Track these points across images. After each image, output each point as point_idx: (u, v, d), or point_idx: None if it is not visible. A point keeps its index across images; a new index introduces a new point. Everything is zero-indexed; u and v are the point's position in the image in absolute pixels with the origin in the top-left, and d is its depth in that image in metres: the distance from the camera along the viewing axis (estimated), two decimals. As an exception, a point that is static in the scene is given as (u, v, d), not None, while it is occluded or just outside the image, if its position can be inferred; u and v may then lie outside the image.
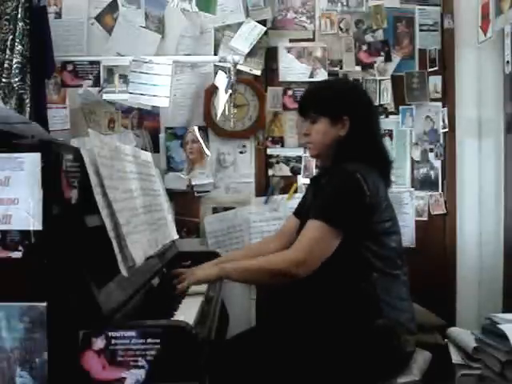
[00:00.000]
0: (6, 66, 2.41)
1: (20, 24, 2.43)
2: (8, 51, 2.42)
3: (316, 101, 1.76)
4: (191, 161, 2.77)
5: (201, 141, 2.76)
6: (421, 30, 2.82)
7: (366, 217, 1.61)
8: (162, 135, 2.78)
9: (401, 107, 2.81)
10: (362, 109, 1.75)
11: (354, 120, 1.71)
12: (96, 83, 2.75)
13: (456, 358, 1.89)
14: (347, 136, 1.71)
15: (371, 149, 1.72)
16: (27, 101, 2.45)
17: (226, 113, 2.72)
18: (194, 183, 2.76)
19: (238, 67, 2.73)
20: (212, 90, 2.75)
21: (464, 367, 1.86)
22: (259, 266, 1.65)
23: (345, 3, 2.81)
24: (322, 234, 1.57)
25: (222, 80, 2.70)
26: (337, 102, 1.73)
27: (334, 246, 1.59)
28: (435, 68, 2.80)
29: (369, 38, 2.81)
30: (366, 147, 1.71)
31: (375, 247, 1.62)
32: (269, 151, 2.82)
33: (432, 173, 2.82)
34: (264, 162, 2.82)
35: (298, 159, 2.81)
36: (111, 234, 1.31)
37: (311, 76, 2.79)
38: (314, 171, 2.75)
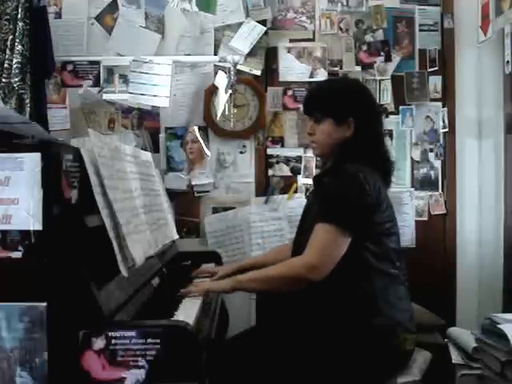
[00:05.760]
0: (5, 65, 2.42)
1: (20, 24, 2.43)
2: (8, 51, 2.42)
3: (321, 101, 1.75)
4: (191, 161, 2.77)
5: (201, 141, 2.76)
6: (421, 30, 2.82)
7: (368, 217, 1.62)
8: (162, 135, 2.78)
9: (401, 107, 2.81)
10: (367, 110, 1.75)
11: (360, 121, 1.71)
12: (96, 83, 2.75)
13: (456, 358, 1.89)
14: (352, 137, 1.71)
15: (374, 150, 1.73)
16: (27, 101, 2.44)
17: (226, 113, 2.72)
18: (194, 183, 2.76)
19: (238, 67, 2.73)
20: (212, 90, 2.75)
21: (464, 367, 1.85)
22: (274, 274, 1.66)
23: (345, 3, 2.81)
24: (332, 237, 1.58)
25: (222, 80, 2.70)
26: (342, 103, 1.72)
27: (345, 247, 1.59)
28: (435, 68, 2.80)
29: (369, 38, 2.81)
30: (369, 148, 1.71)
31: (374, 247, 1.62)
32: (269, 151, 2.82)
33: (432, 173, 2.82)
34: (264, 162, 2.82)
35: (298, 159, 2.81)
36: (111, 234, 1.31)
37: (311, 76, 2.79)
38: (314, 171, 2.75)
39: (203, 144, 2.76)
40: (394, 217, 1.72)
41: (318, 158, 2.70)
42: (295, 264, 1.64)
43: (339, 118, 1.71)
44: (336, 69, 2.80)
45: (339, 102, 1.72)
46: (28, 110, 2.44)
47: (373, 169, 1.67)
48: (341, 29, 2.81)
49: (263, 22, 2.76)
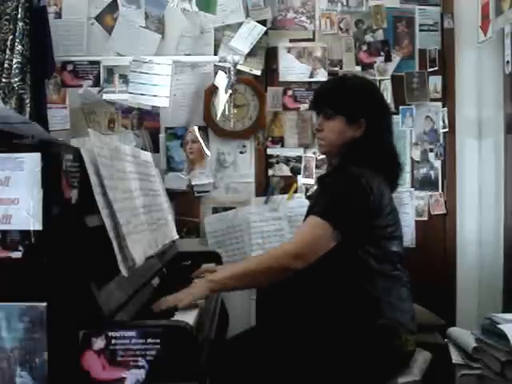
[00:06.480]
0: (6, 65, 2.42)
1: (20, 24, 2.44)
2: (8, 51, 2.43)
3: (334, 97, 1.72)
4: (191, 161, 2.77)
5: (201, 141, 2.77)
6: (421, 30, 2.82)
7: (369, 221, 1.60)
8: (162, 135, 2.78)
9: (401, 107, 2.81)
10: (379, 112, 1.73)
11: (371, 123, 1.68)
12: (96, 83, 2.75)
13: (456, 358, 1.89)
14: (362, 138, 1.69)
15: (382, 152, 1.70)
16: (27, 101, 2.45)
17: (226, 113, 2.72)
18: (194, 183, 2.76)
19: (238, 67, 2.73)
20: (212, 90, 2.75)
21: (464, 367, 1.85)
22: (255, 267, 1.58)
23: (345, 3, 2.81)
24: (321, 231, 1.57)
25: (222, 80, 2.70)
26: (356, 102, 1.69)
27: (331, 245, 1.57)
28: (435, 68, 2.80)
29: (369, 38, 2.81)
30: (378, 150, 1.69)
31: (375, 250, 1.62)
32: (269, 151, 2.82)
33: (432, 173, 2.83)
34: (264, 162, 2.82)
35: (298, 159, 2.81)
36: (111, 234, 1.31)
37: (311, 76, 2.79)
38: (314, 171, 2.75)
39: (203, 144, 2.77)
40: (398, 220, 1.71)
41: (319, 158, 2.73)
42: (278, 254, 1.58)
43: (351, 117, 1.68)
44: (336, 69, 2.80)
45: (354, 101, 1.69)
46: (28, 110, 2.44)
47: (378, 172, 1.65)
48: (341, 29, 2.81)
49: (263, 22, 2.76)
